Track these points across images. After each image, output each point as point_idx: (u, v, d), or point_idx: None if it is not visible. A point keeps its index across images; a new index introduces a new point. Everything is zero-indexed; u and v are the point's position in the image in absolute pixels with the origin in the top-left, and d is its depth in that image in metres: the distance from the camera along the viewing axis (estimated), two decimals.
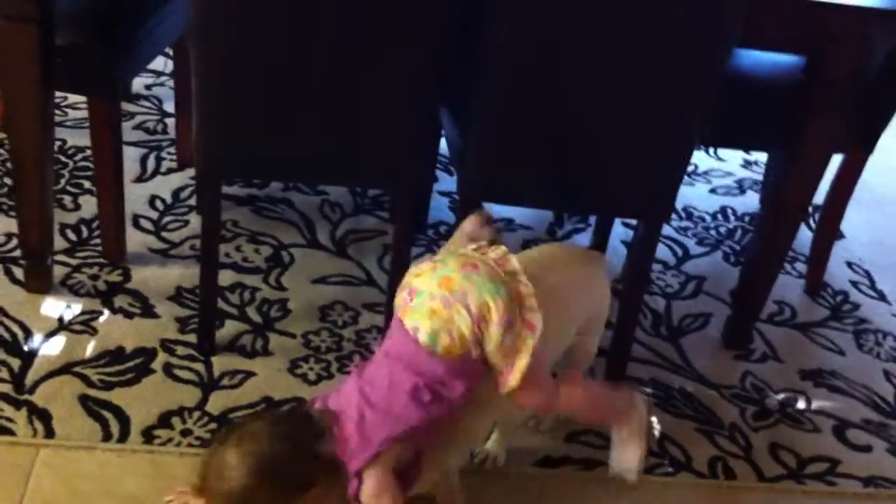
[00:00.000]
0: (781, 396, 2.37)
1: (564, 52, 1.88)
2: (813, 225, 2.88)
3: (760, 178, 3.22)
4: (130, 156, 2.77)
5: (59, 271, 2.34)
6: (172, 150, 2.86)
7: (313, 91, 1.90)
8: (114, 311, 2.27)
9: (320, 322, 2.34)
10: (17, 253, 2.34)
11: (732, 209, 3.08)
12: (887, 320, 2.71)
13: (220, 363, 2.17)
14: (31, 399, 2.01)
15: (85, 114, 2.77)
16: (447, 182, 2.92)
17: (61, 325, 2.20)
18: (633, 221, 2.65)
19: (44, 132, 2.15)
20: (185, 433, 1.99)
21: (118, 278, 2.36)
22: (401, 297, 1.67)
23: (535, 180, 2.07)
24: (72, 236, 2.47)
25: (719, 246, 2.90)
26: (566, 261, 1.95)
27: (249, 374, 2.16)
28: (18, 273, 2.31)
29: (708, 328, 2.56)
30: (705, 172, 3.25)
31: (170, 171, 2.79)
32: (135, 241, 2.49)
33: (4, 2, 1.98)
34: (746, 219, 3.04)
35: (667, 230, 2.84)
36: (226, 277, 2.40)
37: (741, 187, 3.22)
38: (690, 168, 3.18)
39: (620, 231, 2.82)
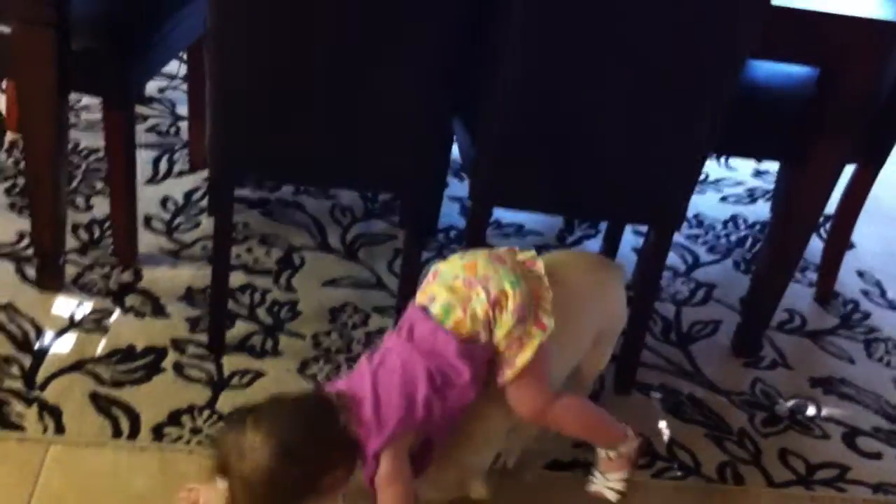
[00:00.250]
0: (791, 403, 2.37)
1: (576, 58, 1.88)
2: (824, 234, 2.87)
3: (771, 187, 3.21)
4: (143, 158, 2.78)
5: (70, 270, 2.35)
6: (185, 152, 2.87)
7: (328, 94, 1.91)
8: (125, 310, 2.28)
9: (330, 324, 2.34)
10: (30, 252, 2.35)
11: (743, 218, 3.08)
12: None
13: (230, 363, 2.18)
14: (41, 396, 2.02)
15: (99, 116, 2.79)
16: (458, 187, 2.92)
17: (72, 324, 2.21)
18: (644, 228, 2.65)
19: (58, 135, 2.16)
20: (195, 431, 2.00)
21: (129, 278, 2.37)
22: (425, 280, 1.72)
23: (545, 186, 2.07)
24: (84, 236, 2.48)
25: (730, 254, 2.89)
26: (585, 269, 1.95)
27: (259, 374, 2.16)
28: (31, 272, 2.32)
29: (718, 335, 2.56)
30: (716, 181, 3.25)
31: (182, 173, 2.80)
32: (146, 241, 2.49)
33: (23, 6, 1.99)
34: (757, 227, 3.04)
35: (677, 238, 2.84)
36: (237, 279, 2.41)
37: (752, 196, 3.21)
38: (701, 176, 3.18)
39: (631, 238, 2.82)
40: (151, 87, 3.16)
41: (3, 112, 2.82)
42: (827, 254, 2.77)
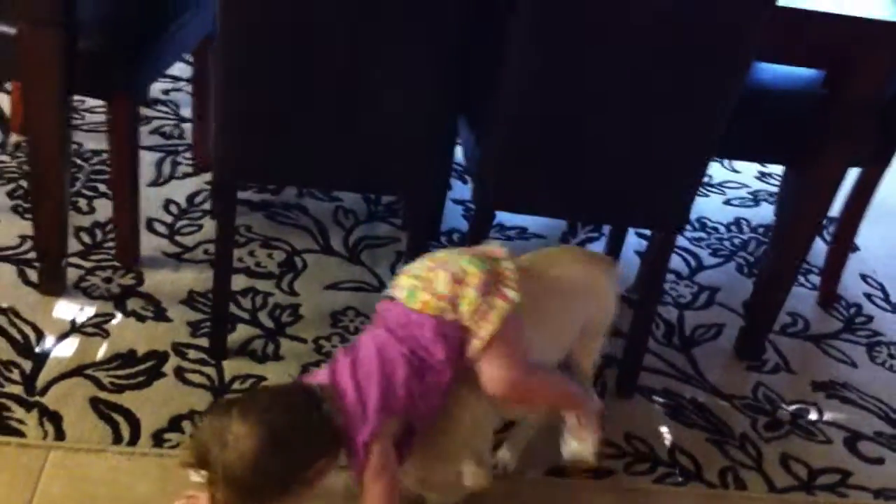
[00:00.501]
0: (793, 408, 2.36)
1: (579, 63, 1.88)
2: (827, 237, 2.86)
3: (775, 190, 3.21)
4: (146, 160, 2.78)
5: (72, 274, 2.35)
6: (188, 154, 2.87)
7: (336, 98, 1.91)
8: (126, 314, 2.27)
9: (332, 328, 2.34)
10: (32, 255, 2.35)
11: (747, 221, 3.07)
12: None
13: (231, 367, 2.18)
14: (42, 401, 2.02)
15: (102, 118, 2.80)
16: (461, 190, 2.92)
17: (74, 328, 2.21)
18: (647, 231, 2.64)
19: (63, 136, 2.16)
20: None
21: (131, 281, 2.37)
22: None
23: (549, 190, 2.07)
24: (86, 239, 2.48)
25: (733, 257, 2.89)
26: (573, 259, 1.98)
27: (260, 379, 2.16)
28: (32, 275, 2.31)
29: (720, 339, 2.55)
30: (720, 184, 3.25)
31: (185, 175, 2.80)
32: (149, 244, 2.49)
33: (31, 6, 1.99)
34: (761, 230, 3.03)
35: (680, 241, 2.84)
36: (238, 282, 2.41)
37: (756, 199, 3.21)
38: (705, 179, 3.17)
39: (634, 241, 2.81)
40: (156, 88, 3.16)
41: (8, 114, 2.82)
42: (830, 257, 2.77)
